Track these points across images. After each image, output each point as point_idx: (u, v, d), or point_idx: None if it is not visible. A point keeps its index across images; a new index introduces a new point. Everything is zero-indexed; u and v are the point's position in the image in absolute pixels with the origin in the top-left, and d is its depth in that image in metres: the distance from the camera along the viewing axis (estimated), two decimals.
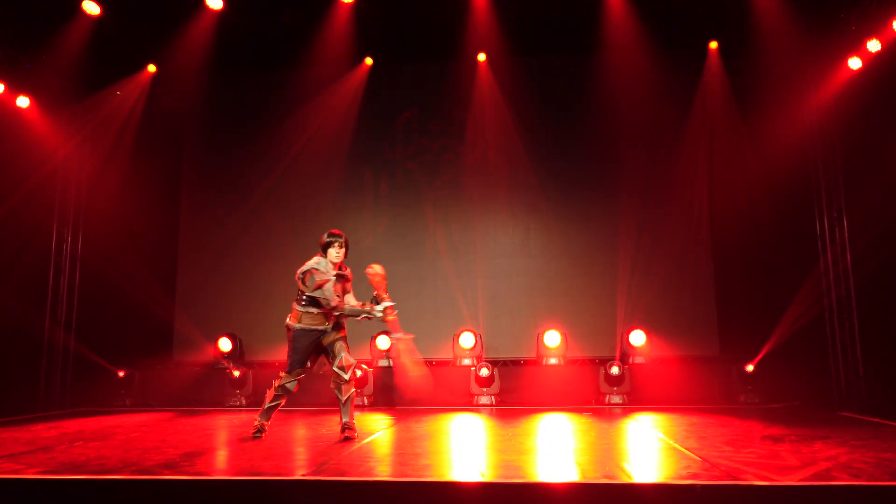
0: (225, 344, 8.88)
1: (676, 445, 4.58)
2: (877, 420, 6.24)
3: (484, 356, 8.80)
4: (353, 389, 5.25)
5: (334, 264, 5.17)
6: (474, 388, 8.37)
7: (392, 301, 5.18)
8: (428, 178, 9.93)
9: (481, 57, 9.57)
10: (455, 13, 8.59)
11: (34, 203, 8.64)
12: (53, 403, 8.74)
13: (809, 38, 8.23)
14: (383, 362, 8.78)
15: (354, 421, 5.27)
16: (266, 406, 5.30)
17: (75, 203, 9.47)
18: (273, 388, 5.25)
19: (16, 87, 8.43)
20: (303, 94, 9.64)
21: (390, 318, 5.15)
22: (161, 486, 3.50)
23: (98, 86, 9.23)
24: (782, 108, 8.92)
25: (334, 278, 5.09)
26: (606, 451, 4.50)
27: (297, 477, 3.62)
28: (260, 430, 5.25)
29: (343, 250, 5.20)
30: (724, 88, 9.15)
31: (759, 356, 8.20)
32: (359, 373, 8.42)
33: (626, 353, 8.57)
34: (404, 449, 4.62)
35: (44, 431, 5.84)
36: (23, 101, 8.53)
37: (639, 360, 8.52)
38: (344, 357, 5.14)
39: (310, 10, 8.58)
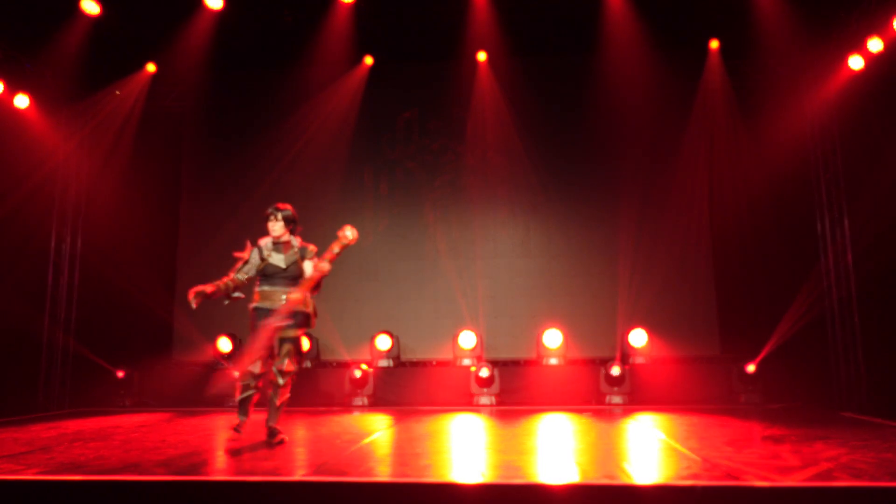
0: (225, 344, 8.87)
1: (677, 446, 4.58)
2: (878, 420, 6.23)
3: (484, 356, 8.79)
4: (288, 396, 5.00)
5: (275, 238, 5.01)
6: (474, 388, 8.36)
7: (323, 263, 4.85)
8: (428, 178, 9.93)
9: (481, 57, 9.57)
10: (455, 13, 8.59)
11: (33, 203, 8.64)
12: (53, 403, 8.74)
13: (810, 37, 8.23)
14: (383, 362, 8.77)
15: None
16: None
17: (75, 203, 9.47)
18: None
19: (15, 87, 8.42)
20: (303, 94, 9.64)
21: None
22: (161, 487, 3.49)
23: (98, 86, 9.24)
24: (783, 108, 8.93)
25: (261, 257, 4.95)
26: (607, 451, 4.49)
27: (297, 477, 3.61)
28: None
29: (279, 223, 4.97)
30: (724, 88, 9.15)
31: (760, 356, 8.19)
32: (358, 373, 8.42)
33: (626, 354, 8.56)
34: (404, 449, 4.62)
35: (43, 431, 5.83)
36: (22, 101, 8.52)
37: (639, 360, 8.51)
38: (287, 362, 4.90)
39: (310, 10, 8.58)
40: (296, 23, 8.72)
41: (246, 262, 4.98)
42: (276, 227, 4.99)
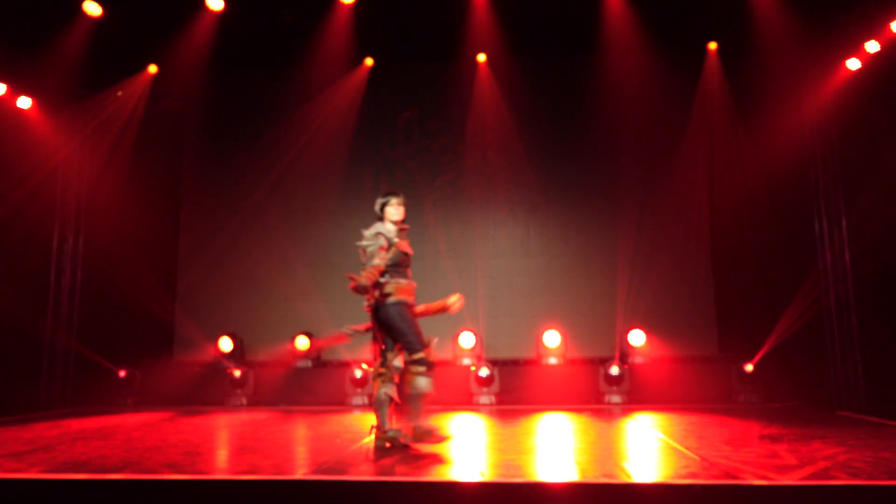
0: (225, 344, 8.89)
1: (675, 445, 4.60)
2: (875, 419, 6.26)
3: (484, 356, 8.81)
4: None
5: (396, 224, 4.67)
6: (474, 388, 8.39)
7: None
8: (428, 178, 9.94)
9: (481, 57, 9.58)
10: (455, 13, 8.60)
11: (35, 203, 8.66)
12: (55, 402, 8.76)
13: (808, 38, 8.25)
14: None
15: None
16: (416, 403, 4.52)
17: (76, 203, 9.49)
18: (418, 379, 4.48)
19: (17, 88, 8.45)
20: (303, 95, 9.66)
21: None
22: (161, 486, 3.52)
23: (99, 86, 9.26)
24: (781, 109, 8.95)
25: (390, 243, 4.56)
26: (606, 450, 4.51)
27: (297, 477, 3.63)
28: (427, 432, 4.50)
29: (402, 208, 4.69)
30: (723, 89, 9.16)
31: (758, 356, 8.22)
32: (359, 373, 8.44)
33: (625, 353, 8.58)
34: (405, 449, 4.63)
35: (45, 430, 5.86)
36: (24, 102, 8.55)
37: (638, 359, 8.53)
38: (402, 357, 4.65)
39: (310, 10, 8.59)
40: (296, 23, 8.73)
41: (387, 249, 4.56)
42: (401, 211, 4.71)
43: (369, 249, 4.51)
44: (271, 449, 4.62)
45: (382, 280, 4.52)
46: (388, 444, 4.59)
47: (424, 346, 4.52)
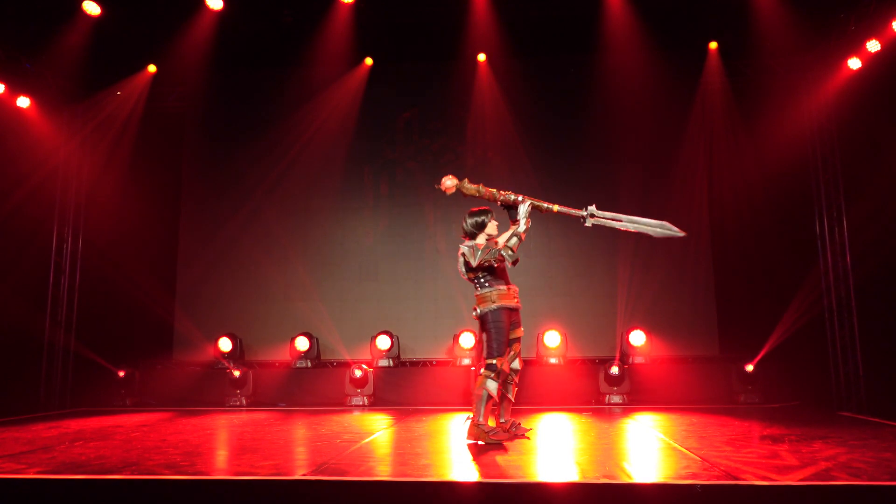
0: (225, 344, 8.88)
1: (676, 445, 4.59)
2: (876, 420, 6.24)
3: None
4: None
5: (491, 239, 5.04)
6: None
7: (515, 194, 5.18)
8: (428, 178, 9.92)
9: (481, 57, 9.58)
10: (455, 13, 8.61)
11: (35, 203, 8.66)
12: (54, 403, 8.76)
13: (809, 38, 8.26)
14: (383, 362, 8.79)
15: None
16: (495, 405, 4.97)
17: (76, 203, 9.49)
18: (486, 381, 4.78)
19: (16, 88, 8.45)
20: (303, 95, 9.66)
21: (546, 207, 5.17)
22: (161, 486, 3.51)
23: (98, 86, 9.27)
24: (782, 109, 8.95)
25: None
26: (606, 451, 4.50)
27: (297, 477, 3.62)
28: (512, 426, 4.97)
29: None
30: (723, 89, 9.17)
31: (759, 356, 8.20)
32: (358, 373, 8.43)
33: (625, 353, 8.57)
34: (404, 449, 4.63)
35: (44, 431, 5.85)
36: (23, 102, 8.55)
37: (639, 360, 8.52)
38: (519, 358, 5.08)
39: (310, 10, 8.60)
40: (296, 23, 8.74)
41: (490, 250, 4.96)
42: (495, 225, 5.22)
43: (486, 257, 4.92)
44: (271, 449, 4.61)
45: (486, 289, 4.98)
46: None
47: (501, 355, 4.82)
